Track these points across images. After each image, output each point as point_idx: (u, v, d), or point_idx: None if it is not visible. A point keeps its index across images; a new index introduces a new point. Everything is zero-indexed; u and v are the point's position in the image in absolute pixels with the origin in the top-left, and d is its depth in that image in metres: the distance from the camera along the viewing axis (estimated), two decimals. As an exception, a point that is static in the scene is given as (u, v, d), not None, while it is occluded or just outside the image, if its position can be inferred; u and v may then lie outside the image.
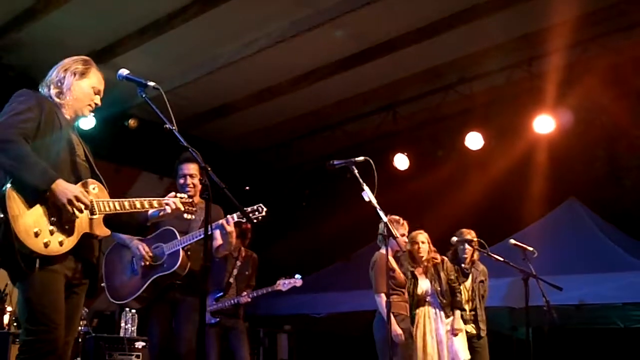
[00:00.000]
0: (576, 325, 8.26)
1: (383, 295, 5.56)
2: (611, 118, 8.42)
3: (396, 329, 5.45)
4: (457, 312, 6.07)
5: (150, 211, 3.55)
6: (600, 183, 8.88)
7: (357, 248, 10.36)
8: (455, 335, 5.98)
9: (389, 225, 3.87)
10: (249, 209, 4.33)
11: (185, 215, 3.68)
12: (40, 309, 2.92)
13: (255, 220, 4.26)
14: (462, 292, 6.20)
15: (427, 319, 5.99)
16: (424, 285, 6.07)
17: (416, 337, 5.86)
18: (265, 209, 4.34)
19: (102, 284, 4.61)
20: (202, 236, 4.11)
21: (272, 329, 9.54)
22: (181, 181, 4.76)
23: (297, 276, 6.38)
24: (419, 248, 6.14)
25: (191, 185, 4.71)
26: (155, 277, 4.41)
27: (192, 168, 4.73)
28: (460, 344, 5.97)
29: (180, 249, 4.42)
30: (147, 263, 4.42)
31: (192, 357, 4.34)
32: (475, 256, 6.30)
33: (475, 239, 6.16)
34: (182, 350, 4.37)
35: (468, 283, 6.24)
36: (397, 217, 5.90)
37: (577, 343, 8.43)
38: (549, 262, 6.79)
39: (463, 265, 6.29)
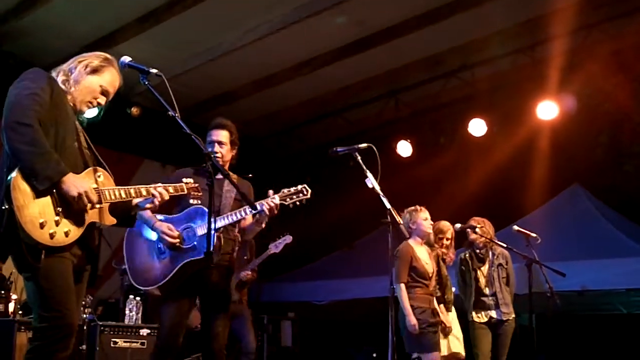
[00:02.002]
0: (579, 312, 8.27)
1: (402, 285, 5.56)
2: (614, 104, 8.39)
3: (411, 319, 5.43)
4: (442, 306, 6.08)
5: (137, 200, 3.41)
6: (603, 169, 8.86)
7: (360, 235, 10.38)
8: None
9: (392, 211, 3.87)
10: (293, 189, 4.09)
11: (191, 201, 3.61)
12: (52, 295, 2.90)
13: (298, 203, 4.05)
14: (480, 277, 6.18)
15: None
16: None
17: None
18: (309, 191, 4.11)
19: (123, 267, 4.39)
20: (240, 218, 4.05)
21: (276, 316, 9.57)
22: (209, 149, 4.31)
23: (286, 234, 6.40)
24: (443, 237, 6.17)
25: (219, 154, 4.30)
26: (185, 261, 4.00)
27: (222, 135, 4.37)
28: (457, 340, 6.00)
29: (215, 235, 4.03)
30: (177, 244, 4.00)
31: (224, 353, 4.14)
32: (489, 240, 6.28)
33: (481, 225, 6.15)
34: (215, 346, 4.05)
35: (485, 268, 6.20)
36: (411, 208, 5.90)
37: (579, 329, 8.45)
38: (552, 248, 6.79)
39: (478, 250, 6.28)
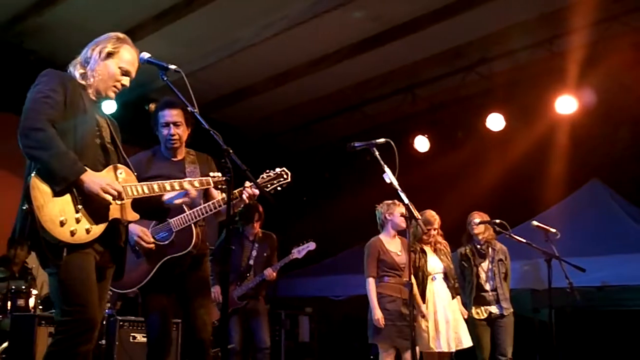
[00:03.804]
0: (599, 307, 8.20)
1: (370, 279, 5.71)
2: (634, 98, 8.29)
3: (376, 313, 5.55)
4: (458, 298, 6.07)
5: (166, 196, 3.47)
6: (623, 164, 8.76)
7: (377, 230, 10.35)
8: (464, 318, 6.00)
9: (410, 207, 3.85)
10: (272, 173, 3.84)
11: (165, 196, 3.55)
12: (74, 290, 2.92)
13: (279, 188, 3.81)
14: (481, 273, 6.18)
15: (436, 297, 5.99)
16: (433, 262, 6.06)
17: (427, 315, 5.87)
18: (289, 174, 3.85)
19: None
20: (217, 209, 3.80)
21: (294, 311, 9.59)
22: (164, 132, 4.03)
23: (309, 241, 6.41)
24: (431, 228, 6.14)
25: (176, 137, 4.02)
26: (165, 259, 3.86)
27: (175, 115, 4.00)
28: (465, 330, 5.97)
29: (193, 225, 3.87)
30: (150, 246, 3.84)
31: (211, 341, 3.99)
32: (489, 236, 6.27)
33: (481, 220, 6.15)
34: (204, 336, 3.88)
35: (485, 264, 6.21)
36: (389, 201, 5.95)
37: (599, 325, 8.37)
38: (571, 243, 6.74)
39: (479, 246, 6.26)
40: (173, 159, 4.13)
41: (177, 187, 3.40)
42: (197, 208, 3.85)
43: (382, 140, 4.02)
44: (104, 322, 5.95)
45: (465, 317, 6.01)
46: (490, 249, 6.25)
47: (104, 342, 5.93)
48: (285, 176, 3.85)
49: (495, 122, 8.70)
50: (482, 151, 9.16)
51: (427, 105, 9.43)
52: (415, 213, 3.95)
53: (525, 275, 7.61)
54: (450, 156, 9.21)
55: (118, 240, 3.21)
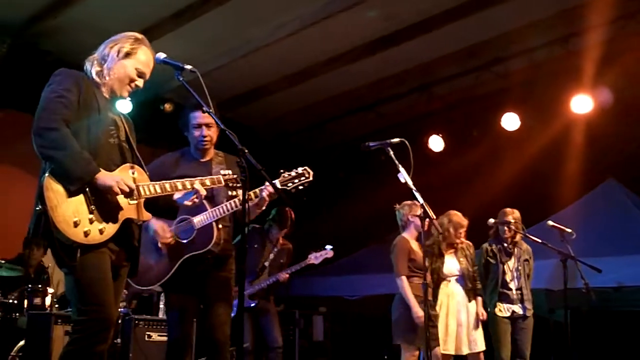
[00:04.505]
0: (615, 308, 8.14)
1: (403, 277, 5.61)
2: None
3: (417, 311, 5.45)
4: (479, 299, 6.03)
5: (176, 196, 3.46)
6: (639, 162, 8.69)
7: (391, 230, 10.32)
8: (482, 321, 5.95)
9: (425, 206, 3.85)
10: (294, 172, 3.81)
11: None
12: (89, 289, 2.94)
13: (300, 187, 3.78)
14: (506, 272, 6.14)
15: (450, 299, 5.96)
16: (450, 264, 6.03)
17: (439, 317, 5.84)
18: (311, 173, 3.81)
19: None
20: (238, 208, 3.78)
21: (307, 310, 9.59)
22: (196, 133, 4.04)
23: (328, 247, 6.40)
24: (454, 229, 6.11)
25: (208, 138, 4.04)
26: (185, 257, 3.86)
27: (207, 116, 3.97)
28: (480, 334, 5.94)
29: (214, 223, 3.86)
30: (171, 242, 3.85)
31: (229, 344, 3.95)
32: (517, 236, 6.22)
33: (515, 221, 6.10)
34: (221, 337, 3.86)
35: (512, 262, 6.17)
36: (409, 202, 5.90)
37: (615, 325, 8.32)
38: (587, 243, 6.70)
39: (505, 245, 6.22)
40: (201, 159, 4.13)
41: (188, 186, 3.40)
42: (219, 206, 3.85)
43: (396, 140, 4.01)
44: (120, 321, 5.98)
45: (484, 318, 5.96)
46: (516, 249, 6.21)
47: (119, 341, 5.96)
48: (307, 175, 3.82)
49: (511, 121, 8.65)
50: (497, 150, 9.11)
51: (442, 105, 9.38)
52: (430, 213, 3.94)
53: (541, 276, 7.57)
54: (465, 156, 9.16)
55: (132, 240, 3.23)
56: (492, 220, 6.20)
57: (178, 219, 3.90)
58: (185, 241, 3.87)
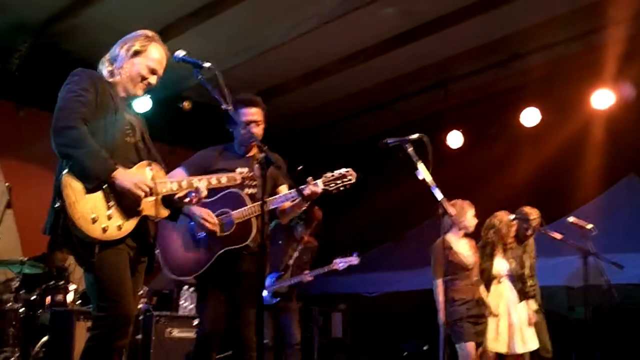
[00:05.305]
0: (637, 305, 8.05)
1: (438, 281, 5.61)
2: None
3: (441, 315, 5.50)
4: (530, 302, 5.99)
5: (179, 195, 3.36)
6: (660, 158, 8.59)
7: (409, 227, 10.33)
8: (530, 324, 5.92)
9: (444, 203, 3.83)
10: (336, 173, 3.81)
11: (246, 190, 3.56)
12: (108, 285, 2.97)
13: (342, 188, 3.77)
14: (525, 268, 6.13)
15: (500, 299, 5.92)
16: (499, 265, 6.00)
17: (490, 317, 5.81)
18: (354, 174, 3.81)
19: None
20: (281, 203, 3.88)
21: (326, 307, 9.61)
22: (244, 130, 3.99)
23: (354, 254, 6.40)
24: (506, 228, 6.09)
25: (256, 136, 4.02)
26: (223, 250, 3.84)
27: (255, 113, 4.05)
28: (532, 333, 5.90)
29: (253, 219, 3.83)
30: (217, 229, 3.80)
31: (255, 342, 3.85)
32: (529, 233, 6.21)
33: (538, 218, 6.08)
34: (248, 334, 3.87)
35: (525, 259, 6.15)
36: (461, 201, 5.90)
37: (637, 323, 8.23)
38: (608, 240, 6.63)
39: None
40: (244, 155, 4.15)
41: (205, 183, 3.38)
42: (259, 202, 3.82)
43: (415, 136, 3.98)
44: (141, 318, 6.04)
45: (532, 322, 5.92)
46: (528, 246, 6.23)
47: (140, 337, 6.02)
48: (350, 177, 3.81)
49: (530, 117, 8.58)
50: (516, 146, 9.05)
51: (460, 101, 9.33)
52: (449, 209, 3.92)
53: (561, 272, 7.52)
54: (484, 152, 9.10)
55: (147, 236, 3.25)
56: (512, 216, 6.17)
57: (218, 211, 3.86)
58: (225, 234, 3.85)
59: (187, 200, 3.33)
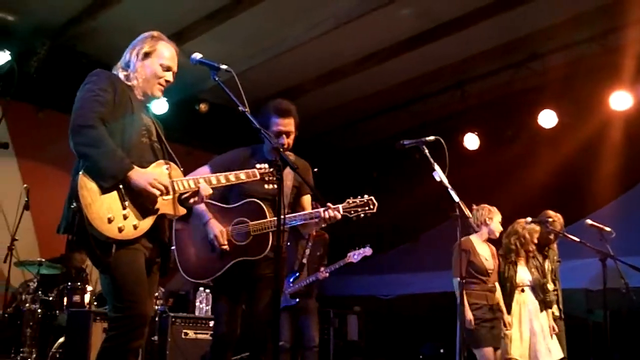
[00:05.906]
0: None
1: (457, 279, 5.54)
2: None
3: (467, 314, 5.38)
4: (550, 311, 5.94)
5: (185, 195, 3.33)
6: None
7: (425, 229, 10.29)
8: (552, 333, 5.87)
9: (462, 205, 3.81)
10: (359, 201, 3.84)
11: (265, 186, 3.54)
12: (124, 286, 2.97)
13: (362, 215, 3.80)
14: (547, 273, 6.08)
15: (523, 307, 5.87)
16: (522, 273, 5.96)
17: (511, 325, 5.77)
18: (376, 204, 3.83)
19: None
20: (300, 222, 3.87)
21: (342, 310, 9.60)
22: (275, 139, 3.93)
23: (367, 246, 6.40)
24: (529, 234, 6.04)
25: (286, 146, 4.00)
26: (237, 260, 3.85)
27: (288, 124, 4.04)
28: (555, 342, 5.84)
29: (271, 234, 3.77)
30: (224, 247, 3.82)
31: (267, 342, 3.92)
32: (552, 237, 6.15)
33: (557, 220, 6.02)
34: (262, 336, 3.89)
35: (547, 264, 6.10)
36: (489, 206, 5.85)
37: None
38: (627, 242, 6.57)
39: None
40: (271, 159, 4.14)
41: (222, 181, 3.38)
42: (289, 216, 3.86)
43: (432, 137, 3.97)
44: (157, 319, 6.06)
45: (554, 332, 5.87)
46: (550, 250, 6.20)
47: (156, 338, 6.04)
48: (371, 206, 3.83)
49: (548, 118, 8.52)
50: (533, 148, 8.99)
51: (477, 102, 9.28)
52: (466, 212, 3.90)
53: (579, 275, 7.45)
54: (501, 154, 9.06)
55: (163, 235, 3.25)
56: (529, 219, 6.11)
57: (236, 220, 3.88)
58: (240, 244, 3.86)
59: (191, 201, 3.32)
